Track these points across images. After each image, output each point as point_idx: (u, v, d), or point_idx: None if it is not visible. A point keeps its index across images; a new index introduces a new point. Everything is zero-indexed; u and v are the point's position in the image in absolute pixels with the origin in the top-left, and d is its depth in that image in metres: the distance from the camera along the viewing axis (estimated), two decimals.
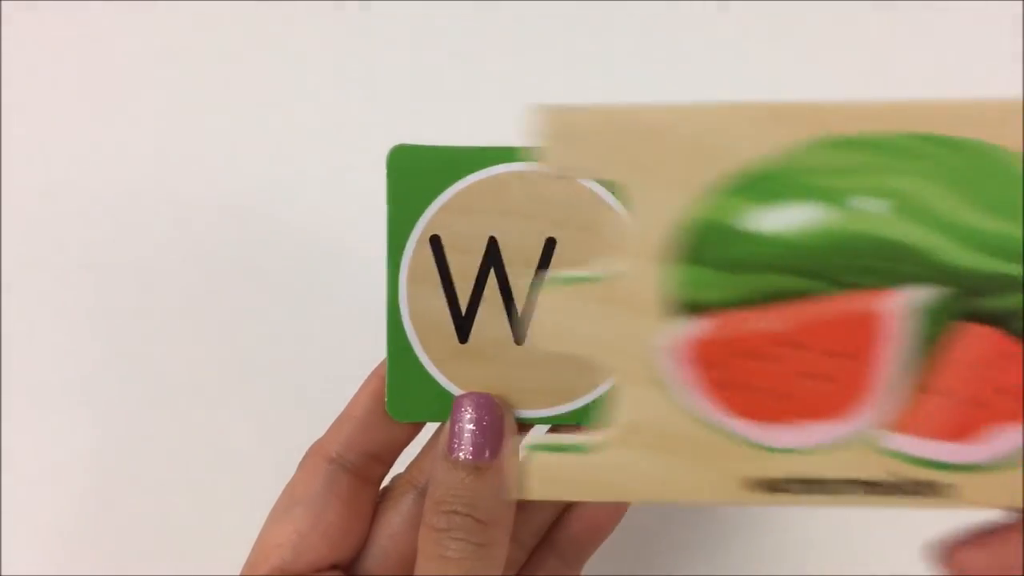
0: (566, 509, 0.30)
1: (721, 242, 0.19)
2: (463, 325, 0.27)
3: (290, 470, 0.29)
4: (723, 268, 0.19)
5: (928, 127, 0.18)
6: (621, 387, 0.20)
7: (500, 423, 0.26)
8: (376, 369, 0.28)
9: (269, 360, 0.38)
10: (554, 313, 0.20)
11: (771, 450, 0.20)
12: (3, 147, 0.39)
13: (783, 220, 0.19)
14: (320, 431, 0.28)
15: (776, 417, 0.20)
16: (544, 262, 0.27)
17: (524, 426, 0.27)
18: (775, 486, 0.20)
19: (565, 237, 0.26)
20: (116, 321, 0.39)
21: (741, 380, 0.20)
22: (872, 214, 0.19)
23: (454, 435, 0.25)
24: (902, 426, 0.20)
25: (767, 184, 0.18)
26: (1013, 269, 0.19)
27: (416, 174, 0.27)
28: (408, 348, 0.27)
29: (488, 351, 0.27)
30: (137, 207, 0.39)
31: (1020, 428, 0.20)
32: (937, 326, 0.19)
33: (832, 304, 0.19)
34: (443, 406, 0.27)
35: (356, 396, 0.28)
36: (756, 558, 0.34)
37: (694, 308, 0.19)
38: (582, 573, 0.31)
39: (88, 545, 0.37)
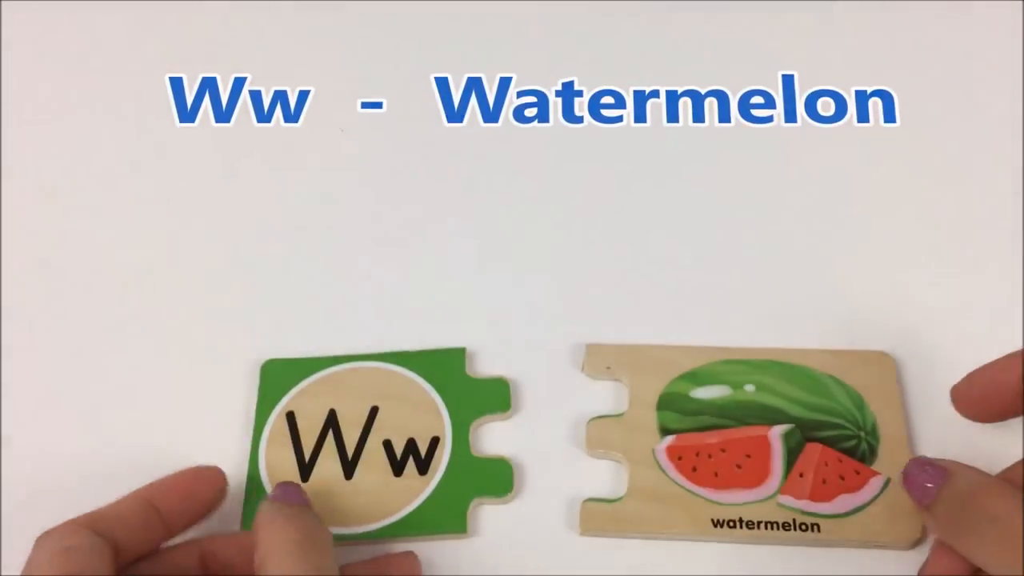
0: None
1: (680, 401, 0.38)
2: (305, 470, 0.37)
3: None
4: (683, 413, 0.38)
5: (775, 357, 0.40)
6: (633, 469, 0.37)
7: (301, 491, 0.34)
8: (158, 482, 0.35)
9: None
10: (599, 432, 0.38)
11: (721, 504, 0.36)
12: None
13: (709, 393, 0.39)
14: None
15: (721, 487, 0.37)
16: (369, 423, 0.38)
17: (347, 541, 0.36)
18: (731, 524, 0.36)
19: (385, 405, 0.38)
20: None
21: (699, 467, 0.37)
22: (751, 391, 0.39)
23: (277, 494, 0.34)
24: (790, 492, 0.36)
25: (699, 377, 0.39)
26: (829, 419, 0.38)
27: (280, 375, 0.39)
28: (261, 486, 0.37)
29: (323, 487, 0.37)
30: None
31: (854, 495, 0.36)
32: (797, 443, 0.37)
33: (739, 432, 0.38)
34: None
35: (151, 494, 0.34)
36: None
37: (669, 431, 0.38)
38: None
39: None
